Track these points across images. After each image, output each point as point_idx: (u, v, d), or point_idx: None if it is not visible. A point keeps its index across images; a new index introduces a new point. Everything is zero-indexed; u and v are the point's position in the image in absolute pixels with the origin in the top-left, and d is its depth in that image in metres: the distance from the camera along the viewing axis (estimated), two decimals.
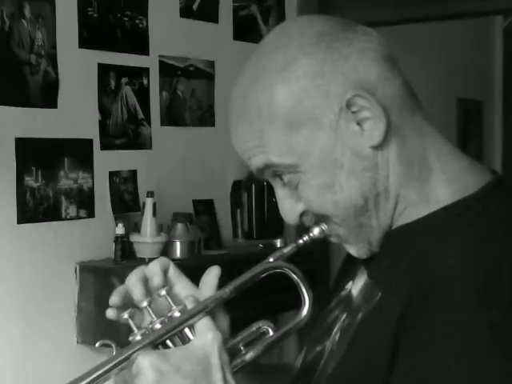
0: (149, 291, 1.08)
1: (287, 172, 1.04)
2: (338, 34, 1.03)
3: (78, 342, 2.80)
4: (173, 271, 1.11)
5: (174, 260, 3.09)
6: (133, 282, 1.09)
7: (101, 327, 2.71)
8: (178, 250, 2.91)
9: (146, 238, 2.83)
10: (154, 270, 1.09)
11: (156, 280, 1.08)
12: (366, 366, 0.99)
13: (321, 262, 3.38)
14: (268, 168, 1.05)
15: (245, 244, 3.35)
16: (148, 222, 2.84)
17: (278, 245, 3.26)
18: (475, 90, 5.51)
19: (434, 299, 0.94)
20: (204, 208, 3.26)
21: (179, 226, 2.93)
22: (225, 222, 3.37)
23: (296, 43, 1.03)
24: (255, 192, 3.37)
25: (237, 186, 3.40)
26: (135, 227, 2.92)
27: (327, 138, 1.01)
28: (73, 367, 2.80)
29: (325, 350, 1.11)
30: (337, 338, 1.09)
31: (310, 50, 1.01)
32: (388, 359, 0.95)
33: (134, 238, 2.85)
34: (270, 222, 3.41)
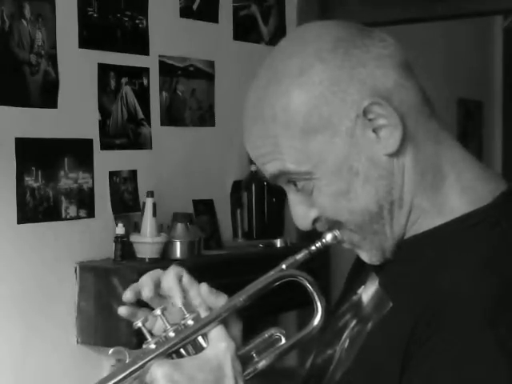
0: (162, 297, 1.09)
1: (302, 179, 1.03)
2: (354, 39, 1.01)
3: (77, 342, 2.79)
4: (186, 279, 1.10)
5: (174, 260, 3.07)
6: (147, 292, 1.08)
7: (101, 327, 2.71)
8: (178, 250, 2.91)
9: (146, 238, 2.83)
10: (172, 285, 1.08)
11: (176, 297, 1.07)
12: (375, 378, 0.99)
13: (320, 261, 3.38)
14: (283, 175, 1.04)
15: (245, 244, 3.35)
16: (148, 222, 2.84)
17: (278, 245, 3.26)
18: (475, 90, 5.51)
19: (443, 319, 0.94)
20: (204, 208, 3.26)
21: (179, 226, 2.93)
22: (225, 222, 3.37)
23: (313, 49, 1.01)
24: (255, 192, 3.37)
25: (237, 186, 3.40)
26: (135, 227, 2.92)
27: (343, 145, 1.00)
28: (73, 367, 2.80)
29: (334, 356, 1.10)
30: (345, 346, 1.08)
31: (327, 56, 1.00)
32: (397, 374, 0.95)
33: (133, 238, 2.85)
34: (270, 222, 3.41)
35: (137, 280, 1.12)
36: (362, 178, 1.01)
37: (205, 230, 3.17)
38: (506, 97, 5.77)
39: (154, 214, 2.84)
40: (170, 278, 1.09)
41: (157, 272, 1.11)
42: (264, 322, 2.51)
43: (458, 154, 1.06)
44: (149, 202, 2.85)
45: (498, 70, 5.80)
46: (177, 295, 1.07)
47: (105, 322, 2.68)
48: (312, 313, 1.09)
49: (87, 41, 2.83)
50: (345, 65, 1.00)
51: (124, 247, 2.81)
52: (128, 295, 1.09)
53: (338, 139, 1.00)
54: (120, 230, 2.82)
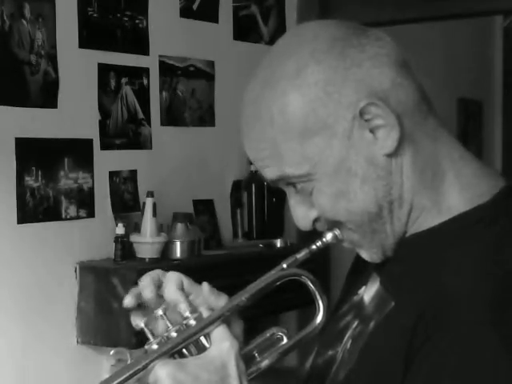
0: (163, 298, 1.08)
1: (301, 181, 1.03)
2: (350, 39, 1.01)
3: (78, 342, 2.79)
4: (187, 284, 1.10)
5: (174, 260, 3.07)
6: (148, 293, 1.08)
7: (101, 327, 2.70)
8: (178, 249, 2.91)
9: (146, 238, 2.82)
10: (175, 296, 1.07)
11: (182, 307, 1.06)
12: (378, 377, 0.99)
13: (320, 262, 3.38)
14: (282, 179, 1.04)
15: (245, 244, 3.35)
16: (148, 221, 2.84)
17: (278, 245, 3.26)
18: (475, 89, 5.51)
19: (445, 317, 0.94)
20: (204, 208, 3.26)
21: (179, 226, 2.93)
22: (225, 221, 3.37)
23: (308, 50, 1.01)
24: (255, 192, 3.37)
25: (237, 186, 3.40)
26: (135, 227, 2.92)
27: (341, 146, 1.00)
28: (73, 367, 2.80)
29: (336, 356, 1.10)
30: (348, 346, 1.08)
31: (323, 57, 1.00)
32: (400, 373, 0.95)
33: (134, 238, 2.85)
34: (270, 222, 3.40)
35: (137, 280, 1.11)
36: (360, 179, 1.00)
37: (205, 230, 3.17)
38: (506, 97, 5.77)
39: (154, 213, 2.84)
40: (172, 290, 1.08)
41: (156, 272, 1.10)
42: (264, 322, 2.51)
43: (457, 151, 1.05)
44: (149, 201, 2.85)
45: (498, 70, 5.80)
46: (182, 306, 1.06)
47: (105, 322, 2.68)
48: (312, 313, 1.09)
49: (87, 41, 2.83)
50: (339, 65, 0.99)
51: (124, 247, 2.81)
52: (128, 300, 1.09)
53: (335, 141, 1.00)
54: (120, 230, 2.82)
